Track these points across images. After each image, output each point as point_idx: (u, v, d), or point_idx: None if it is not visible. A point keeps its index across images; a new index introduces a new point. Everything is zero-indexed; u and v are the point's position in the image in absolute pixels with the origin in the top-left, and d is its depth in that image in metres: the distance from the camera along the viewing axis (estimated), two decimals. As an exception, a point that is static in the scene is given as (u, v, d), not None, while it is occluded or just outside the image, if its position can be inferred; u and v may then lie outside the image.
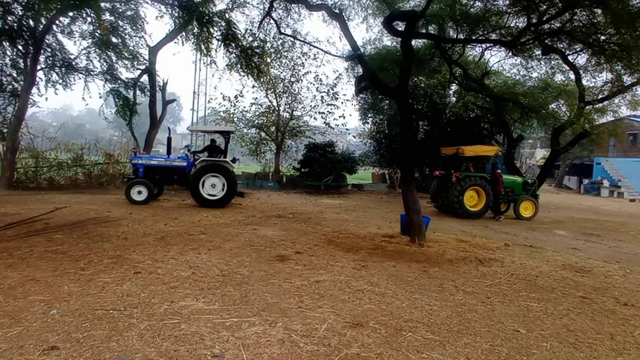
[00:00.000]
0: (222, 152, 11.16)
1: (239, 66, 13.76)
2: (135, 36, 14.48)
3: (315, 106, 19.96)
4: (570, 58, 11.61)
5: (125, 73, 15.42)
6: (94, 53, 14.53)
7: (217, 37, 13.18)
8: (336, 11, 8.76)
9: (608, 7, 7.01)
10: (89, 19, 13.12)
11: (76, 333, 2.93)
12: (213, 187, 10.48)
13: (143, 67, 15.05)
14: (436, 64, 13.62)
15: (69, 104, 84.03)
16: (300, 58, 18.78)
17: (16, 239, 5.75)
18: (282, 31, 11.68)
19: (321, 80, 19.59)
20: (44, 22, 12.85)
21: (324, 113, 19.90)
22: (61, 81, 14.68)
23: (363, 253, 5.92)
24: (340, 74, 21.05)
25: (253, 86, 19.00)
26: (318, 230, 7.81)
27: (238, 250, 5.80)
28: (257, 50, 13.35)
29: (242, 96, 20.05)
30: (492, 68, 15.22)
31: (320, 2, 9.33)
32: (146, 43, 14.76)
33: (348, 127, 23.23)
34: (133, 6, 13.90)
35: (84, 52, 14.48)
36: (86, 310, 3.34)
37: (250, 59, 13.43)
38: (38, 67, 13.52)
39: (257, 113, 19.89)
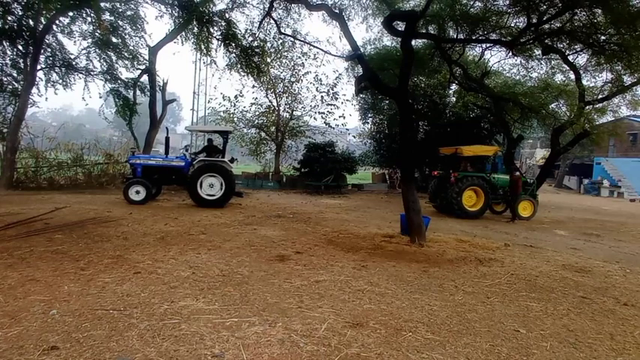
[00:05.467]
0: (221, 152, 11.17)
1: (239, 66, 13.78)
2: (135, 36, 14.50)
3: (315, 106, 20.00)
4: (570, 58, 11.60)
5: (125, 73, 15.47)
6: (94, 53, 14.55)
7: (217, 37, 13.19)
8: (336, 11, 8.76)
9: (608, 7, 7.01)
10: (89, 19, 13.14)
11: (76, 333, 2.93)
12: (211, 187, 10.47)
13: (143, 67, 15.05)
14: (436, 64, 13.61)
15: (69, 104, 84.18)
16: (300, 58, 18.80)
17: (16, 239, 5.74)
18: (282, 31, 11.69)
19: (321, 80, 19.63)
20: (44, 22, 12.85)
21: (324, 113, 19.94)
22: (61, 81, 14.71)
23: (363, 253, 5.92)
24: (340, 74, 21.08)
25: (253, 86, 19.04)
26: (318, 230, 7.81)
27: (238, 250, 5.80)
28: (257, 50, 13.36)
29: (242, 96, 20.10)
30: (492, 68, 15.23)
31: (320, 2, 9.33)
32: (146, 43, 14.79)
33: (348, 127, 23.24)
34: (133, 6, 13.91)
35: (84, 52, 14.50)
36: (86, 310, 3.34)
37: (250, 59, 13.45)
38: (38, 67, 13.52)
39: (257, 113, 19.91)
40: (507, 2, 8.77)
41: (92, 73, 14.88)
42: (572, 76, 12.86)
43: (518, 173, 11.42)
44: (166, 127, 13.02)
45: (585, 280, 5.12)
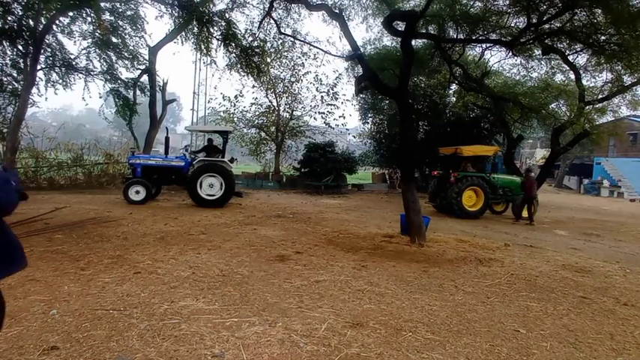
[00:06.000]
0: (221, 152, 11.17)
1: (239, 66, 13.77)
2: (135, 36, 14.48)
3: (315, 106, 20.03)
4: (570, 58, 11.59)
5: (125, 73, 15.45)
6: (94, 53, 14.53)
7: (217, 37, 13.17)
8: (336, 11, 8.76)
9: (608, 7, 7.01)
10: (89, 19, 13.12)
11: (76, 333, 2.93)
12: (210, 187, 10.47)
13: (143, 67, 15.05)
14: (436, 64, 13.60)
15: (69, 104, 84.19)
16: (300, 58, 18.82)
17: (16, 239, 5.74)
18: (282, 31, 11.68)
19: (321, 80, 19.65)
20: (44, 22, 12.83)
21: (324, 113, 19.96)
22: (61, 81, 14.67)
23: (363, 253, 5.92)
24: (340, 74, 21.11)
25: (253, 86, 19.05)
26: (318, 230, 7.81)
27: (238, 250, 5.80)
28: (257, 50, 13.34)
29: (242, 96, 20.13)
30: (492, 68, 15.21)
31: (320, 2, 9.33)
32: (146, 43, 14.78)
33: (348, 127, 23.26)
34: (133, 6, 13.89)
35: (84, 52, 14.47)
36: (86, 310, 3.34)
37: (250, 59, 13.43)
38: (38, 67, 13.49)
39: (257, 113, 19.92)
40: (507, 2, 8.77)
41: (92, 73, 14.86)
42: (572, 76, 12.85)
43: (533, 175, 11.18)
44: (166, 127, 13.02)
45: (585, 280, 5.12)
